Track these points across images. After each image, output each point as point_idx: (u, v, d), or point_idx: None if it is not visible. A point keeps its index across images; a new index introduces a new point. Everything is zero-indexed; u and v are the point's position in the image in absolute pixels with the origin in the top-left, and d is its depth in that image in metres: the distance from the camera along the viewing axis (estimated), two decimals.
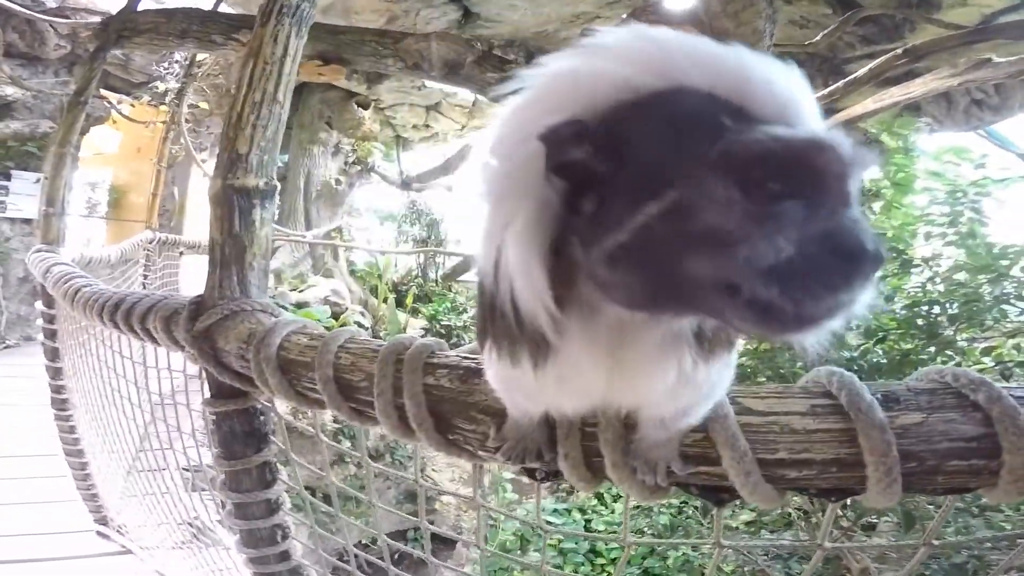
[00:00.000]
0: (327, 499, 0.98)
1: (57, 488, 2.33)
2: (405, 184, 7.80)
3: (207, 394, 0.90)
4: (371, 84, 5.74)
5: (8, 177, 5.22)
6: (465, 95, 6.43)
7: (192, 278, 4.66)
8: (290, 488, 0.96)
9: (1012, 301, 2.39)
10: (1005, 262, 2.36)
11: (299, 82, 6.05)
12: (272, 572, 0.99)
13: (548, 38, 4.86)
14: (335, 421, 5.44)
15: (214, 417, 0.92)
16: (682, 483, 0.42)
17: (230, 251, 0.80)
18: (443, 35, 2.60)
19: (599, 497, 5.39)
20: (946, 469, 0.38)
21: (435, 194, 8.21)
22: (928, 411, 0.38)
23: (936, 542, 0.51)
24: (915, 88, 3.72)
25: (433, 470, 6.04)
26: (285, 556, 1.00)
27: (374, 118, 6.91)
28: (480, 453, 0.47)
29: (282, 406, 0.91)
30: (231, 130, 0.78)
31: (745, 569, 3.05)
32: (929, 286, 2.63)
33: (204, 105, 5.11)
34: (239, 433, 0.91)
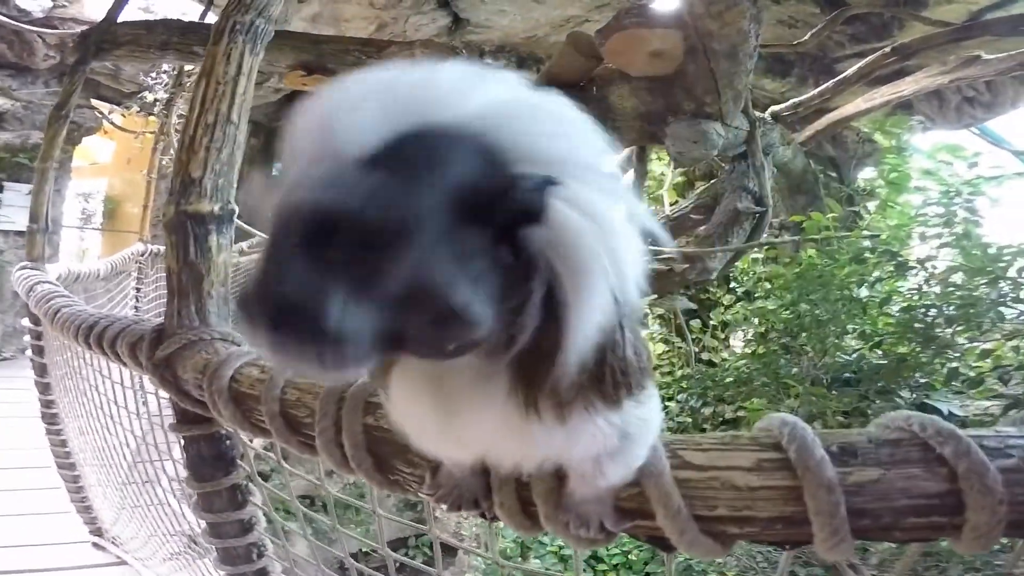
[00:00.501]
0: (326, 507, 0.97)
1: (52, 499, 2.34)
2: None
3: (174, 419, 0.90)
4: None
5: (0, 189, 5.23)
6: None
7: None
8: (268, 506, 0.95)
9: (1009, 303, 2.36)
10: (1002, 264, 2.34)
11: (289, 92, 6.05)
12: None
13: (538, 43, 4.85)
14: None
15: (182, 441, 0.91)
16: (628, 530, 0.40)
17: (187, 279, 0.78)
18: (427, 42, 2.59)
19: None
20: (903, 525, 0.35)
21: None
22: (888, 466, 0.36)
23: None
24: (906, 87, 3.71)
25: None
26: (263, 573, 1.00)
27: None
28: (422, 495, 0.45)
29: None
30: (184, 154, 0.76)
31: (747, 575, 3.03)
32: (925, 288, 2.60)
33: None
34: (207, 457, 0.90)
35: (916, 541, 0.38)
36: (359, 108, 0.26)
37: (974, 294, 2.36)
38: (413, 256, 0.24)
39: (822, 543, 0.35)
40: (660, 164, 4.66)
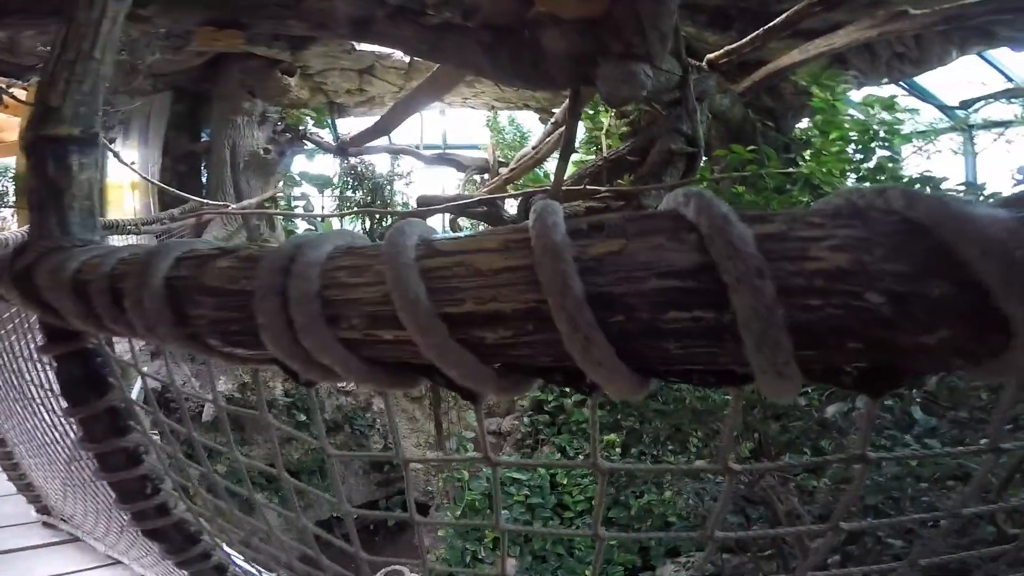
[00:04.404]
0: (296, 475, 0.96)
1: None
2: (341, 150, 7.57)
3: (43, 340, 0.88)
4: (295, 50, 5.47)
5: None
6: (399, 55, 6.21)
7: None
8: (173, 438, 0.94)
9: None
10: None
11: (217, 53, 5.72)
12: (156, 527, 0.99)
13: None
14: (287, 395, 5.37)
15: (55, 367, 0.90)
16: (387, 357, 0.33)
17: (46, 195, 0.79)
18: None
19: (562, 451, 5.59)
20: (664, 326, 0.25)
21: (376, 158, 8.02)
22: (633, 237, 0.27)
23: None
24: (837, 40, 3.83)
25: (402, 436, 6.13)
26: (163, 510, 0.99)
27: (302, 85, 6.63)
28: None
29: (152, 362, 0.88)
30: (42, 89, 0.76)
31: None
32: None
33: None
34: (78, 377, 0.89)
35: (692, 365, 0.27)
36: None
37: None
38: None
39: (569, 346, 0.26)
40: (607, 117, 4.69)
